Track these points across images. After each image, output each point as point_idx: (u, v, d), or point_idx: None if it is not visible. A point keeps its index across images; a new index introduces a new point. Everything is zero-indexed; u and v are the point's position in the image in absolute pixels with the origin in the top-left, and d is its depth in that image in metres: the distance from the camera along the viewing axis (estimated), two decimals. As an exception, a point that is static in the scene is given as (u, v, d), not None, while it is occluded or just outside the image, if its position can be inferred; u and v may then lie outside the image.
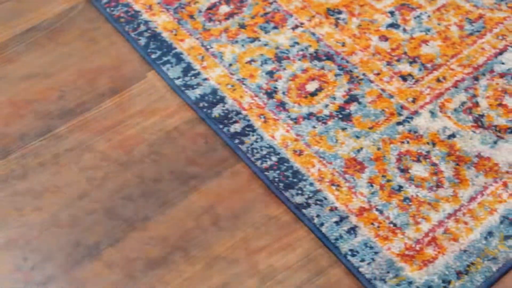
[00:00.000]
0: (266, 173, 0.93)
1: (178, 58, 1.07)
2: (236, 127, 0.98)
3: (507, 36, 1.08)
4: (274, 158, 0.95)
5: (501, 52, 1.06)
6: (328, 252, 0.87)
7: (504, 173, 0.91)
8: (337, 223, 0.88)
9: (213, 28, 1.11)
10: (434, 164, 0.93)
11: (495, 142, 0.95)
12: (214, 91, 1.03)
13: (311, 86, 1.03)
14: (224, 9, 1.14)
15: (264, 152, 0.95)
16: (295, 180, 0.92)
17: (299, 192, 0.91)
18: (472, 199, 0.89)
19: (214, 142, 0.98)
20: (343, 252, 0.86)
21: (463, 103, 0.99)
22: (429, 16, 1.11)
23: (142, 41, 1.10)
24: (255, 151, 0.95)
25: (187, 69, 1.06)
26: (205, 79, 1.04)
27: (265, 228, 0.89)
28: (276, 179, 0.92)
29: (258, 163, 0.94)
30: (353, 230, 0.87)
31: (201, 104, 1.01)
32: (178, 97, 1.03)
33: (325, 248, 0.87)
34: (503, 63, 1.04)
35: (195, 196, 0.92)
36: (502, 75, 1.02)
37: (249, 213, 0.90)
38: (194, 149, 0.97)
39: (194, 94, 1.02)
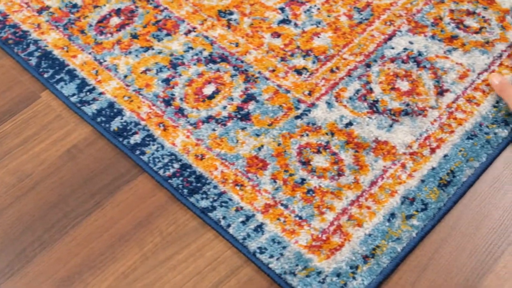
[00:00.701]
0: (169, 181, 0.93)
1: (72, 75, 1.05)
2: (136, 138, 0.97)
3: (395, 21, 1.10)
4: (176, 165, 0.94)
5: (390, 38, 1.08)
6: (237, 252, 0.87)
7: (402, 154, 0.94)
8: (243, 222, 0.88)
9: (105, 41, 1.10)
10: (334, 154, 0.94)
11: (391, 126, 0.97)
12: (111, 105, 1.01)
13: (208, 90, 1.03)
14: (115, 21, 1.12)
15: (166, 160, 0.94)
16: (199, 184, 0.92)
17: (204, 196, 0.91)
18: (373, 183, 0.91)
19: (115, 156, 0.97)
20: (251, 250, 0.86)
21: (357, 91, 1.01)
22: (318, 9, 1.13)
23: (33, 61, 1.07)
24: (156, 160, 0.95)
25: (82, 85, 1.04)
26: (101, 93, 1.03)
27: (172, 236, 0.88)
28: (180, 185, 0.92)
29: (161, 172, 0.94)
30: (260, 228, 0.87)
31: (98, 119, 1.00)
32: (74, 114, 1.01)
33: (234, 249, 0.87)
34: (392, 48, 1.07)
35: (100, 212, 0.91)
36: (392, 60, 1.05)
37: (155, 223, 0.90)
38: (94, 166, 0.95)
39: (91, 109, 1.01)
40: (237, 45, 1.08)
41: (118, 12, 1.14)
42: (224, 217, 0.88)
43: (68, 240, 0.88)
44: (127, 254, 0.87)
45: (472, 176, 0.91)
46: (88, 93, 1.03)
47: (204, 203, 0.90)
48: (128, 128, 0.98)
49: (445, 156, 0.93)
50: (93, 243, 0.88)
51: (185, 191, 0.91)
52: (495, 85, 0.99)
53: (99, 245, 0.88)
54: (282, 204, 0.89)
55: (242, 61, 1.06)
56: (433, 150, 0.94)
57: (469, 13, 1.10)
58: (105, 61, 1.07)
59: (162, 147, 0.96)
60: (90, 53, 1.08)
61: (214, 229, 0.89)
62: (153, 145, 0.96)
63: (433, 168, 0.92)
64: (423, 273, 0.84)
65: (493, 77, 1.00)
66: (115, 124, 0.99)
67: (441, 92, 1.00)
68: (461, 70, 1.03)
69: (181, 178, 0.92)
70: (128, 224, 0.90)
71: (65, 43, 1.10)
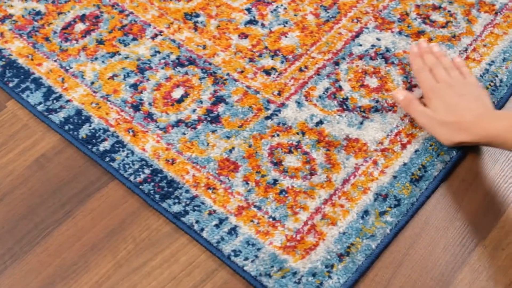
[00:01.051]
0: (140, 187, 0.92)
1: (37, 83, 1.04)
2: (105, 145, 0.96)
3: (362, 18, 1.10)
4: (147, 171, 0.93)
5: (357, 35, 1.08)
6: (212, 256, 0.86)
7: (373, 151, 0.94)
8: (217, 226, 0.87)
9: (71, 48, 1.08)
10: (305, 153, 0.94)
11: (361, 123, 0.97)
12: (79, 112, 1.00)
13: (177, 93, 1.02)
14: (79, 27, 1.11)
15: (137, 166, 0.93)
16: (170, 189, 0.91)
17: (176, 201, 0.90)
18: (345, 181, 0.91)
19: (84, 164, 0.95)
20: (226, 254, 0.85)
21: (327, 89, 1.01)
22: (285, 9, 1.12)
23: (-3, 70, 1.06)
24: (127, 166, 0.93)
25: (48, 93, 1.02)
26: (68, 101, 1.01)
27: (145, 242, 0.87)
28: (152, 191, 0.91)
29: (132, 178, 0.92)
30: (233, 231, 0.87)
31: (66, 127, 0.98)
32: (42, 123, 1.00)
33: (208, 253, 0.86)
34: (360, 45, 1.07)
35: (71, 222, 0.90)
36: (360, 57, 1.05)
37: (128, 230, 0.88)
38: (64, 174, 0.94)
39: (58, 118, 0.99)
40: (204, 47, 1.07)
41: (82, 18, 1.12)
42: (197, 221, 0.88)
43: (39, 251, 0.87)
44: (100, 263, 0.86)
45: (444, 170, 0.91)
46: (54, 101, 1.01)
47: (176, 208, 0.89)
48: (97, 135, 0.97)
49: (416, 151, 0.93)
50: (65, 253, 0.87)
51: (157, 196, 0.90)
52: (400, 101, 0.95)
53: (72, 255, 0.87)
54: (255, 206, 0.89)
55: (210, 64, 1.05)
56: (404, 146, 0.94)
57: (435, 8, 1.11)
58: (71, 68, 1.05)
59: (132, 153, 0.95)
60: (55, 61, 1.07)
61: (187, 234, 0.88)
62: (123, 151, 0.95)
63: (405, 164, 0.92)
64: (399, 269, 0.84)
65: (397, 94, 0.96)
66: (84, 131, 0.98)
67: (409, 88, 1.01)
68: (428, 65, 1.03)
69: (152, 184, 0.91)
70: (100, 232, 0.88)
71: (30, 51, 1.08)
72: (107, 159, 0.94)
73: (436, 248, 0.85)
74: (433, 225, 0.87)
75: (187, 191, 0.91)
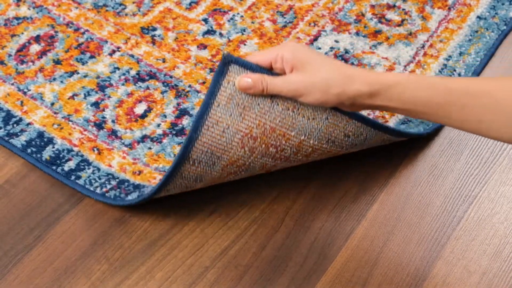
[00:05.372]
0: (106, 194, 0.90)
1: (-4, 108, 1.02)
2: (70, 165, 0.94)
3: (318, 21, 1.11)
4: (113, 182, 0.92)
5: (316, 38, 1.09)
6: (188, 270, 0.85)
7: (340, 152, 0.94)
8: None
9: (27, 70, 1.06)
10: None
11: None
12: (41, 134, 0.98)
13: (140, 109, 1.01)
14: (35, 48, 1.09)
15: (103, 180, 0.92)
16: (136, 190, 0.90)
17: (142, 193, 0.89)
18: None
19: (51, 186, 0.94)
20: None
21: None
22: (242, 17, 1.12)
23: (-47, 98, 1.03)
24: (93, 181, 0.92)
25: (8, 117, 1.00)
26: (29, 123, 1.00)
27: (119, 261, 0.86)
28: (117, 194, 0.90)
29: (98, 190, 0.91)
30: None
31: (29, 150, 0.96)
32: (3, 148, 0.98)
33: (184, 267, 0.85)
34: (319, 48, 1.07)
35: (41, 246, 0.88)
36: (320, 60, 1.05)
37: (100, 251, 0.87)
38: (30, 199, 0.92)
39: (19, 141, 0.97)
40: (164, 60, 1.07)
41: (37, 39, 1.10)
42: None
43: (11, 279, 0.85)
44: (74, 286, 0.84)
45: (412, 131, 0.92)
46: (15, 125, 0.99)
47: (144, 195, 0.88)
48: (61, 155, 0.96)
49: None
50: (37, 279, 0.85)
51: (122, 195, 0.89)
52: (250, 85, 0.78)
53: (45, 280, 0.85)
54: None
55: (171, 77, 1.04)
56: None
57: (390, 7, 1.12)
58: (29, 90, 1.04)
59: (98, 169, 0.94)
60: (12, 84, 1.05)
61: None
62: (89, 168, 0.94)
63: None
64: (375, 268, 0.84)
65: (242, 79, 0.79)
66: (47, 153, 0.96)
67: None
68: (387, 64, 1.05)
69: (118, 190, 0.90)
70: (73, 255, 0.87)
71: (-15, 76, 1.06)
72: (73, 177, 0.93)
73: (410, 244, 0.86)
74: (405, 222, 0.88)
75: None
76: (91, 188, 0.91)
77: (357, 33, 1.09)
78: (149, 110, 1.00)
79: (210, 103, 0.78)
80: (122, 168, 0.93)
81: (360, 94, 0.76)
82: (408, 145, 0.95)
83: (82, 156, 0.95)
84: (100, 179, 0.92)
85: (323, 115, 0.80)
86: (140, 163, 0.94)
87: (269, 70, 0.80)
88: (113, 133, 0.98)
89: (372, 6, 1.13)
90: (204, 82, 1.03)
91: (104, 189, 0.91)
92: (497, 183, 0.91)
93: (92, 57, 1.08)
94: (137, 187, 0.90)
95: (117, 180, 0.92)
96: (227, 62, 0.78)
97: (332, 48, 1.07)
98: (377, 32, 1.08)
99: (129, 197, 0.89)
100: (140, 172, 0.93)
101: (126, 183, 0.91)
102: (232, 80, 0.78)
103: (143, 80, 1.04)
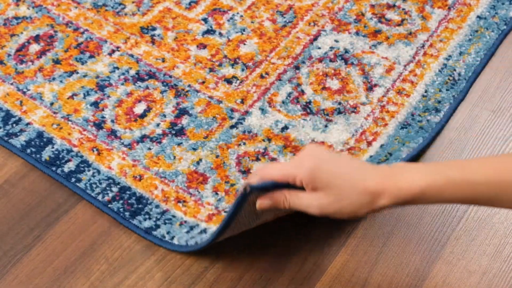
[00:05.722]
0: (109, 205, 0.90)
1: (-5, 107, 1.02)
2: (70, 166, 0.94)
3: (318, 21, 1.11)
4: (115, 189, 0.92)
5: (315, 38, 1.09)
6: (187, 270, 0.85)
7: (339, 151, 0.94)
8: (187, 232, 0.87)
9: (27, 70, 1.06)
10: (273, 159, 0.94)
11: (326, 126, 0.97)
12: (40, 134, 0.98)
13: (139, 108, 1.01)
14: (34, 48, 1.09)
15: (104, 185, 0.92)
16: (140, 206, 0.90)
17: (147, 217, 0.89)
18: (315, 184, 0.91)
19: (50, 186, 0.93)
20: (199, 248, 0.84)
21: (289, 94, 1.01)
22: (241, 16, 1.12)
23: (-47, 98, 1.03)
24: (94, 186, 0.92)
25: (7, 117, 1.00)
26: (28, 123, 0.99)
27: (119, 261, 0.86)
28: (121, 209, 0.90)
29: (100, 197, 0.91)
30: (204, 231, 0.86)
31: (28, 151, 0.96)
32: (2, 148, 0.98)
33: (183, 267, 0.85)
34: (319, 48, 1.07)
35: (40, 246, 0.88)
36: (320, 60, 1.05)
37: (100, 251, 0.87)
38: (30, 199, 0.92)
39: (19, 141, 0.97)
40: (163, 60, 1.07)
41: (36, 38, 1.10)
42: (168, 232, 0.87)
43: (11, 279, 0.85)
44: (74, 286, 0.84)
45: (411, 153, 0.91)
46: (14, 125, 0.99)
47: (147, 224, 0.88)
48: (61, 156, 0.95)
49: (382, 145, 0.94)
50: (37, 279, 0.85)
51: (127, 214, 0.89)
52: (269, 204, 0.77)
53: (44, 280, 0.85)
54: (225, 211, 0.89)
55: (170, 76, 1.04)
56: (369, 143, 0.95)
57: (389, 7, 1.12)
58: (28, 90, 1.04)
59: (98, 172, 0.94)
60: (12, 84, 1.05)
61: (159, 246, 0.87)
62: (89, 170, 0.94)
63: (371, 156, 0.92)
64: (374, 268, 0.84)
65: (262, 201, 0.77)
66: (46, 153, 0.96)
67: (370, 88, 1.01)
68: (387, 63, 1.04)
69: (121, 202, 0.90)
70: (72, 255, 0.87)
71: (-15, 76, 1.06)
72: (73, 180, 0.93)
73: (410, 244, 0.86)
74: (405, 221, 0.88)
75: (157, 206, 0.90)
76: (93, 194, 0.91)
77: (357, 33, 1.09)
78: (148, 109, 1.00)
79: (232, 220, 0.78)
80: (122, 171, 0.93)
81: (389, 207, 0.72)
82: (408, 145, 0.95)
83: (81, 157, 0.95)
84: (100, 183, 0.92)
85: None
86: (140, 165, 0.94)
87: (287, 184, 0.75)
88: (113, 133, 0.98)
89: (372, 6, 1.12)
90: (203, 82, 1.03)
91: (106, 198, 0.91)
92: (497, 183, 0.91)
93: (91, 56, 1.08)
94: (139, 200, 0.90)
95: (118, 186, 0.92)
96: (247, 194, 0.74)
97: (332, 47, 1.07)
98: (377, 32, 1.08)
99: (135, 221, 0.88)
100: (140, 177, 0.93)
101: (128, 192, 0.91)
102: (252, 200, 0.76)
103: (142, 80, 1.04)
